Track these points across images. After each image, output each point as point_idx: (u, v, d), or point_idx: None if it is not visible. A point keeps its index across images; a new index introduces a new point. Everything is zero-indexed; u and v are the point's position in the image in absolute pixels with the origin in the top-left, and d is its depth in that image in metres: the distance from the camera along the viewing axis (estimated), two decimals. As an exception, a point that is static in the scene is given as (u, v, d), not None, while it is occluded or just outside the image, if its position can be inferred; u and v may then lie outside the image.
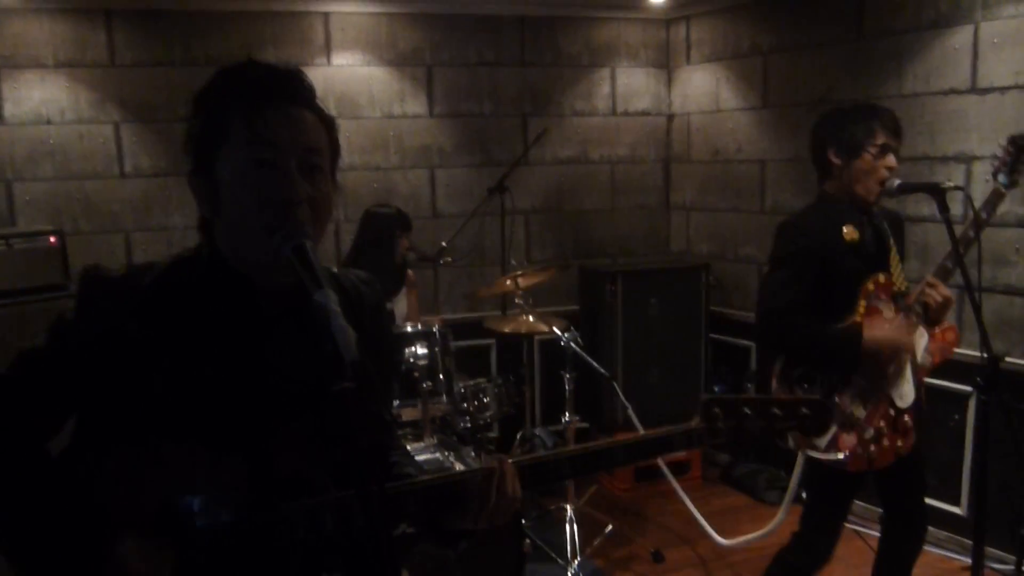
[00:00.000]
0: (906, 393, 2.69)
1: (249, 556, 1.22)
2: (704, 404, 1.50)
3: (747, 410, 1.50)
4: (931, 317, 2.73)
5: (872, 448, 2.64)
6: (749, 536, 3.84)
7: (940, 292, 2.67)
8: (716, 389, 5.03)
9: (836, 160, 2.70)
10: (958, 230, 2.64)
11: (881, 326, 2.64)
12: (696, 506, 4.09)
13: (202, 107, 1.27)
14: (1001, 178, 2.74)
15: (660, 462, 4.14)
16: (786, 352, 2.75)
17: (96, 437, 1.27)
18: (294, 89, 1.26)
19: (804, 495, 3.37)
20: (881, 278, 2.69)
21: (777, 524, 3.69)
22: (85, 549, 1.21)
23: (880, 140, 2.65)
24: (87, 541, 1.21)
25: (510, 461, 1.37)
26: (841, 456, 2.62)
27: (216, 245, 1.31)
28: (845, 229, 2.67)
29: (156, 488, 1.21)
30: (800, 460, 2.95)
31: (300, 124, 1.25)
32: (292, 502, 1.23)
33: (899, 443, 2.69)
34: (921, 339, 2.74)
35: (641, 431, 4.25)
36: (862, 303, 2.66)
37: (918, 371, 2.74)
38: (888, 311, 2.69)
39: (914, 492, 2.86)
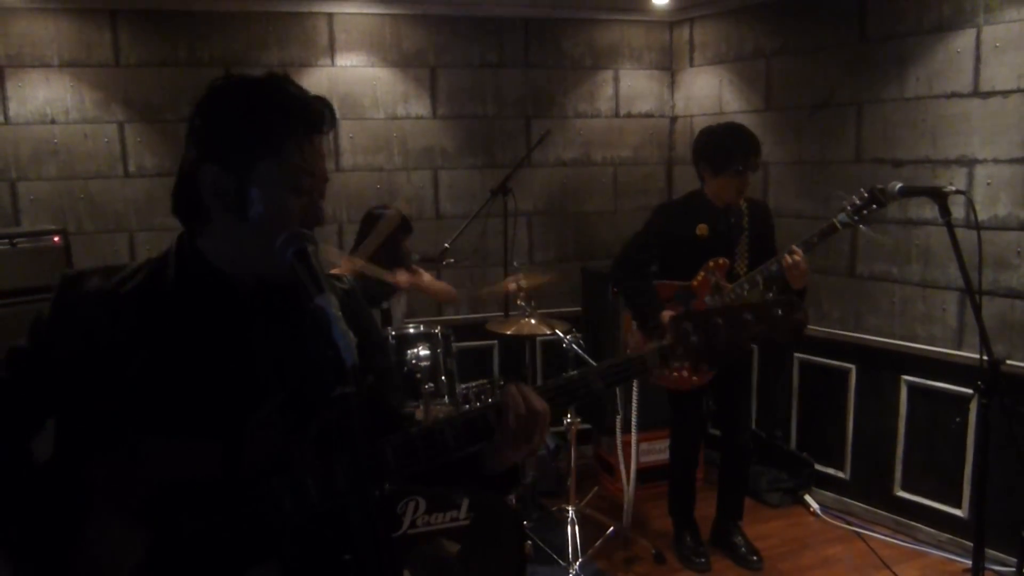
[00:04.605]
0: None
1: (235, 538, 1.25)
2: (674, 320, 1.50)
3: (719, 320, 1.49)
4: (788, 278, 3.36)
5: (675, 375, 3.59)
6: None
7: (796, 258, 3.30)
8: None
9: (705, 173, 3.71)
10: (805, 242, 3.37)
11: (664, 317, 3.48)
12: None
13: (255, 111, 1.30)
14: (842, 217, 3.20)
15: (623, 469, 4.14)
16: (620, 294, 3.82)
17: (78, 440, 1.31)
18: (332, 122, 1.37)
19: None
20: (721, 260, 3.61)
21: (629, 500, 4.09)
22: (55, 533, 1.27)
23: (736, 166, 3.55)
24: (57, 527, 1.27)
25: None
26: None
27: (194, 239, 1.35)
28: (699, 227, 3.62)
29: (138, 485, 1.25)
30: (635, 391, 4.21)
31: (324, 155, 1.38)
32: (270, 478, 1.27)
33: (695, 379, 3.69)
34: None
35: (619, 437, 4.28)
36: (701, 274, 3.63)
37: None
38: (720, 284, 3.58)
39: (733, 406, 3.92)
